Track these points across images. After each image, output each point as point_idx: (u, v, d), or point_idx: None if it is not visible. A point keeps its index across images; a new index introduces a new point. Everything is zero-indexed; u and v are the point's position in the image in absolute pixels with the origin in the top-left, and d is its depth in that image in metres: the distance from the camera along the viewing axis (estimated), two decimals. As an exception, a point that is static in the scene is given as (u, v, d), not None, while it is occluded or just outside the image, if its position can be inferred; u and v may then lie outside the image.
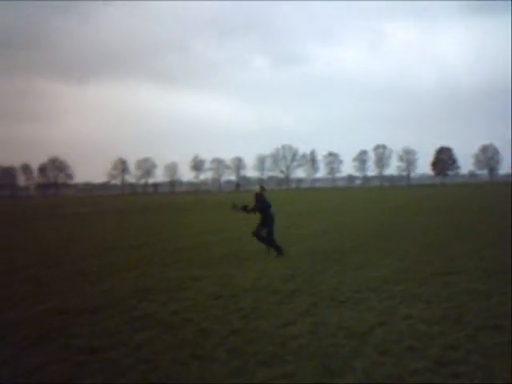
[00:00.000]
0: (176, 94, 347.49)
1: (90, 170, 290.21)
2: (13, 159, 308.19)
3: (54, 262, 15.16)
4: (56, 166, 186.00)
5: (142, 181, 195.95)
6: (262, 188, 16.25)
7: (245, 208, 15.86)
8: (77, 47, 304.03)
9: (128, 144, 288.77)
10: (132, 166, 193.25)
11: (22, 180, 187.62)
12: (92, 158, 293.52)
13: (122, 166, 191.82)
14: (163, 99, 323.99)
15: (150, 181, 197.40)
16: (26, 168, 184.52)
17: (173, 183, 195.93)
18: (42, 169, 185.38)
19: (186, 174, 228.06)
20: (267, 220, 15.43)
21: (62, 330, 7.92)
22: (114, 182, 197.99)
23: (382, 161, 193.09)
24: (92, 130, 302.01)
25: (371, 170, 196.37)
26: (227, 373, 6.07)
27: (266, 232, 15.40)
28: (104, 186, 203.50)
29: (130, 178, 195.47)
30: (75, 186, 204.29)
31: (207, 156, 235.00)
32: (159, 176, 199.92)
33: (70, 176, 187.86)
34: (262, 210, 15.50)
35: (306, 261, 14.05)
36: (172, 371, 6.16)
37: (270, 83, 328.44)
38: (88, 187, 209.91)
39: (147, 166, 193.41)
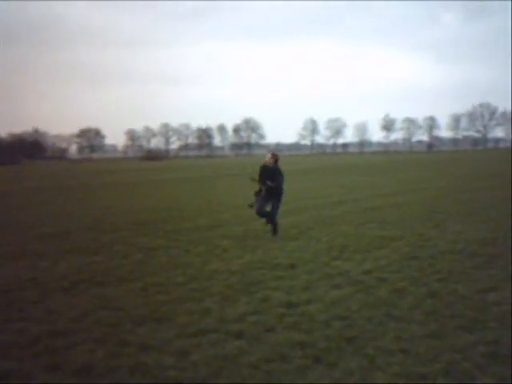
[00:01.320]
0: (366, 51, 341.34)
1: (280, 130, 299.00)
2: (210, 120, 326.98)
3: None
4: (249, 126, 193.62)
5: (331, 141, 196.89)
6: (274, 156, 12.66)
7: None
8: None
9: (318, 104, 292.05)
10: (322, 126, 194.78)
11: (217, 140, 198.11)
12: (283, 118, 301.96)
13: (312, 126, 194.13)
14: (352, 57, 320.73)
15: (340, 141, 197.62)
16: (221, 128, 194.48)
17: (362, 143, 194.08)
18: (237, 129, 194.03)
19: (376, 134, 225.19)
20: (277, 193, 12.52)
21: (260, 283, 8.28)
22: (303, 142, 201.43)
23: None
24: (283, 91, 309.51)
25: None
26: (425, 335, 5.93)
27: (270, 206, 12.61)
28: (294, 146, 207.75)
29: (320, 138, 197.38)
30: (267, 145, 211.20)
31: (398, 115, 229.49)
32: (348, 136, 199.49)
33: (261, 136, 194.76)
34: (272, 181, 12.32)
35: None
36: (368, 329, 6.17)
37: (460, 38, 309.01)
38: (278, 147, 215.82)
39: (337, 126, 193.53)
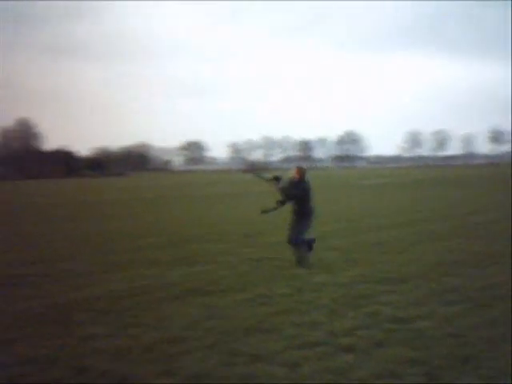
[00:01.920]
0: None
1: (381, 142, 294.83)
2: (309, 133, 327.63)
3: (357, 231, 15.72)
4: (351, 139, 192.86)
5: (434, 153, 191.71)
6: (300, 170, 10.92)
7: (276, 179, 10.81)
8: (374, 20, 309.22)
9: (420, 116, 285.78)
10: (424, 139, 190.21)
11: (319, 152, 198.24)
12: (384, 130, 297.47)
13: (413, 138, 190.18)
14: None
15: (443, 153, 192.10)
16: (322, 141, 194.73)
17: (467, 156, 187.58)
18: (340, 141, 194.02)
19: (482, 147, 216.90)
20: (304, 212, 10.82)
21: (368, 297, 8.15)
22: (406, 154, 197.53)
23: None
24: (385, 102, 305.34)
25: None
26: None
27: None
28: (395, 159, 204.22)
29: (422, 151, 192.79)
30: (367, 158, 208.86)
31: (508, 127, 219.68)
32: (453, 149, 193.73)
33: (363, 149, 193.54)
34: (299, 200, 10.74)
35: None
36: (483, 349, 5.90)
37: None
38: (379, 160, 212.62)
39: (440, 138, 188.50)
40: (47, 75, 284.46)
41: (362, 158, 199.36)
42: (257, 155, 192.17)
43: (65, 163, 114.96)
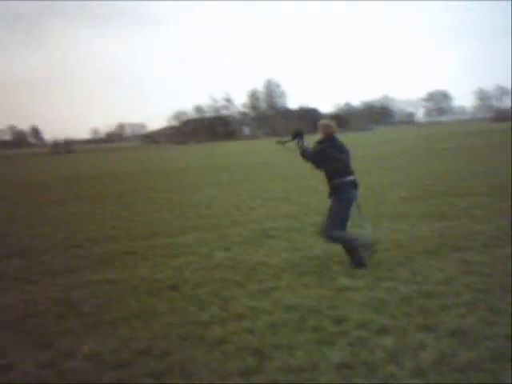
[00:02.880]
0: None
1: None
2: None
3: None
4: None
5: None
6: (326, 126, 7.88)
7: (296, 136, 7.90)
8: None
9: None
10: None
11: None
12: None
13: None
14: None
15: None
16: None
17: None
18: None
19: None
20: (333, 190, 7.77)
21: None
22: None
23: None
24: None
25: None
26: None
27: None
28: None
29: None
30: None
31: None
32: None
33: None
34: (321, 166, 7.80)
35: None
36: None
37: None
38: None
39: None
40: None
41: None
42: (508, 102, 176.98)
43: (310, 120, 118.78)
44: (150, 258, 9.04)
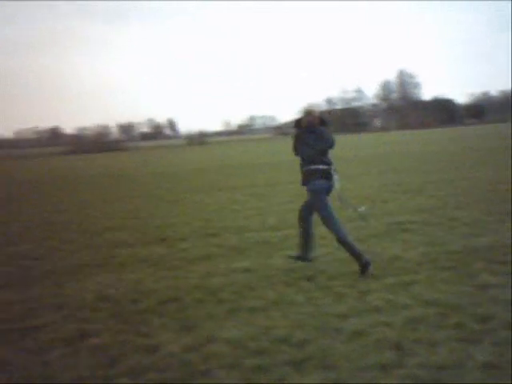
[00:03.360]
0: None
1: None
2: None
3: None
4: None
5: None
6: (309, 113, 7.55)
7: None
8: None
9: None
10: None
11: None
12: None
13: None
14: None
15: None
16: None
17: None
18: None
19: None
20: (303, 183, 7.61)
21: None
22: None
23: None
24: None
25: None
26: None
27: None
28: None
29: None
30: None
31: None
32: None
33: None
34: (296, 152, 7.66)
35: None
36: None
37: None
38: None
39: None
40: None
41: None
42: None
43: (445, 111, 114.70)
44: (285, 249, 9.13)
